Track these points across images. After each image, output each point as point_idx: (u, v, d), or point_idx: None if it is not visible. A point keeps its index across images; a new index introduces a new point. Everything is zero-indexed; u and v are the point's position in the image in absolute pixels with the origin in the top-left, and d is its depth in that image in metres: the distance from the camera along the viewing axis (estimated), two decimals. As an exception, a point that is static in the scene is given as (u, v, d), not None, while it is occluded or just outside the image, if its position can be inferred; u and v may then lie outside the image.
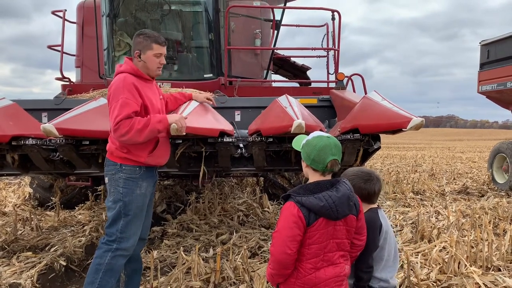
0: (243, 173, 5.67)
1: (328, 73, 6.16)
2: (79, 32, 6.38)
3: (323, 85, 5.82)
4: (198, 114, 3.40)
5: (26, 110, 3.87)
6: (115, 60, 5.38)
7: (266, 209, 6.11)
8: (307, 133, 2.21)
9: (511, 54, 8.51)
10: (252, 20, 6.33)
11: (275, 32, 5.87)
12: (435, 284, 3.54)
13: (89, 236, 4.82)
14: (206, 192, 6.34)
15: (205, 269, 3.66)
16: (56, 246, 4.44)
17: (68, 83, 6.17)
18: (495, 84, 8.87)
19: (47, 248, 4.50)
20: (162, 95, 3.25)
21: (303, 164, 2.08)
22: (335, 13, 5.48)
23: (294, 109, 3.32)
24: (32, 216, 5.43)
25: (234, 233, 4.92)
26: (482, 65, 9.41)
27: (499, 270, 3.88)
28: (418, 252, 4.30)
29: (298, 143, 2.12)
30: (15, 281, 3.55)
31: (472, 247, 4.03)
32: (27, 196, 7.03)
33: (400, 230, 5.17)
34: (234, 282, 3.59)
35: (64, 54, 5.96)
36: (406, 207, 6.88)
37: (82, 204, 6.31)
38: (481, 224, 5.20)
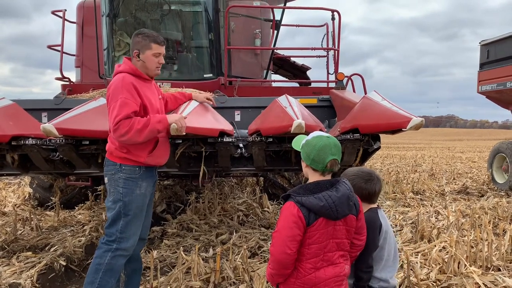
0: (243, 173, 5.67)
1: (328, 73, 6.17)
2: (79, 32, 6.38)
3: (323, 85, 5.82)
4: (198, 114, 3.40)
5: (26, 110, 3.87)
6: (115, 60, 5.38)
7: (266, 209, 6.11)
8: (307, 133, 2.21)
9: (511, 54, 8.51)
10: (252, 20, 6.33)
11: (275, 32, 5.87)
12: (434, 284, 3.54)
13: (89, 236, 4.82)
14: (206, 192, 6.34)
15: (205, 269, 3.66)
16: (56, 246, 4.43)
17: (68, 83, 6.16)
18: (495, 84, 8.87)
19: (47, 248, 4.50)
20: (162, 94, 3.24)
21: (303, 164, 2.08)
22: (335, 13, 5.48)
23: (294, 109, 3.32)
24: (32, 216, 5.43)
25: (234, 233, 4.92)
26: (482, 65, 9.41)
27: (499, 270, 3.88)
28: (418, 252, 4.30)
29: (298, 143, 2.12)
30: (15, 281, 3.55)
31: (472, 247, 4.03)
32: (27, 196, 7.03)
33: (400, 230, 5.18)
34: (234, 282, 3.59)
35: (64, 54, 5.95)
36: (406, 207, 6.88)
37: (82, 204, 6.30)
38: (481, 224, 5.20)
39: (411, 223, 5.59)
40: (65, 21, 6.05)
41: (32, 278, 3.62)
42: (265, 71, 6.21)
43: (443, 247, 4.32)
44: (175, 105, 3.50)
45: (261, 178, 6.76)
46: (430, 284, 3.49)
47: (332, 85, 5.19)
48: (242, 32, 6.31)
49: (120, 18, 5.41)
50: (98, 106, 3.49)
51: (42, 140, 3.56)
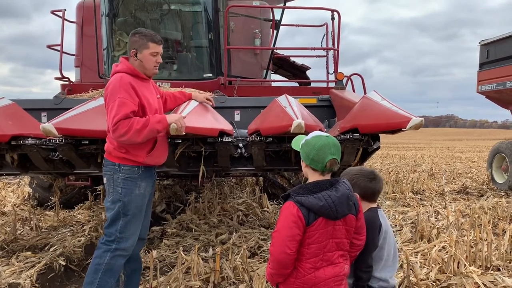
0: (243, 173, 5.67)
1: (328, 73, 6.17)
2: (79, 31, 6.38)
3: (322, 85, 5.83)
4: (197, 113, 3.40)
5: (25, 110, 3.86)
6: (114, 59, 5.37)
7: (265, 209, 6.11)
8: (307, 133, 2.21)
9: (511, 54, 8.51)
10: (251, 20, 6.33)
11: (275, 31, 5.86)
12: (434, 284, 3.54)
13: (89, 236, 4.82)
14: (206, 192, 6.34)
15: (204, 269, 3.66)
16: (56, 246, 4.43)
17: (67, 82, 6.16)
18: (495, 84, 8.88)
19: (46, 248, 4.49)
20: (160, 93, 3.23)
21: (303, 164, 2.08)
22: (335, 13, 5.48)
23: (293, 109, 3.32)
24: (32, 216, 5.42)
25: (234, 233, 4.92)
26: (481, 65, 9.42)
27: (499, 269, 3.88)
28: (417, 251, 4.30)
29: (297, 143, 2.12)
30: (14, 281, 3.55)
31: (472, 247, 4.03)
32: (26, 196, 7.03)
33: (400, 230, 5.18)
34: (233, 282, 3.59)
35: (63, 54, 5.96)
36: (406, 207, 6.88)
37: (82, 204, 6.31)
38: (481, 224, 5.20)
39: (410, 223, 5.59)
40: (65, 21, 6.05)
41: (31, 278, 3.62)
42: (264, 71, 6.21)
43: (443, 247, 4.32)
44: (174, 104, 3.50)
45: (261, 178, 6.75)
46: (430, 284, 3.49)
47: (332, 85, 5.19)
48: (241, 32, 6.31)
49: (120, 17, 5.41)
50: (98, 106, 3.48)
51: (42, 140, 3.56)
